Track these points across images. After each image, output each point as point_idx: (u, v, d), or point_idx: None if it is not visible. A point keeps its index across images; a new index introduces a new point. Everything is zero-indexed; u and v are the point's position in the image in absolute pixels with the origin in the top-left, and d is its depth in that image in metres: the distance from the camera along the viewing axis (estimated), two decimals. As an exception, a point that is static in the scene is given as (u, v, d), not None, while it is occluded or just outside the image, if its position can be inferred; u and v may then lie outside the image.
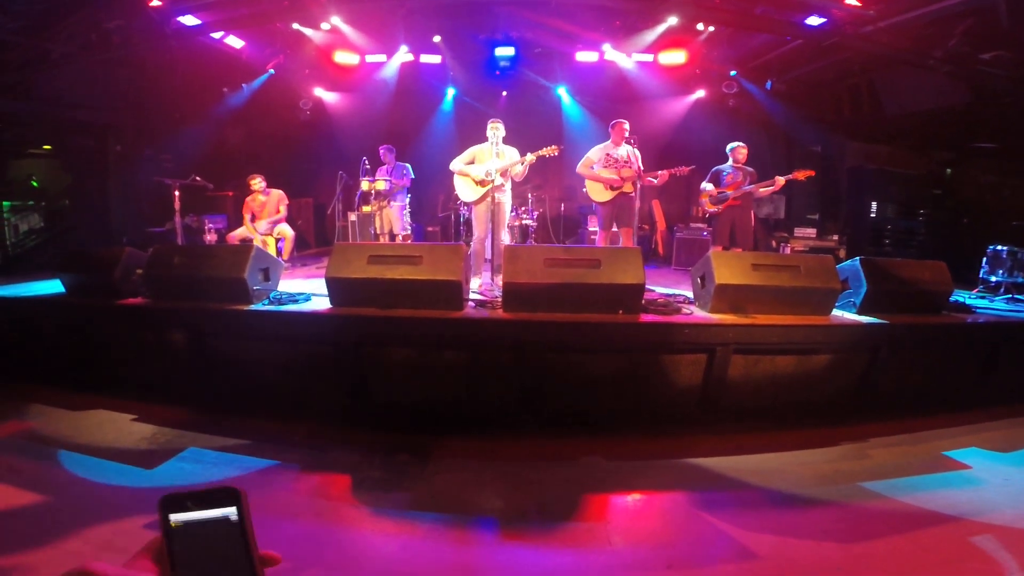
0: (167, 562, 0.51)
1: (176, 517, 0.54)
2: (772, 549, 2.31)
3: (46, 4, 5.78)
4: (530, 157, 5.04)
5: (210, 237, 7.17)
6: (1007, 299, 5.12)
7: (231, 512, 0.54)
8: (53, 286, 4.53)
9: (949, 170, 8.69)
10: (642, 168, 5.37)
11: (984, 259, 5.54)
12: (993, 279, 5.40)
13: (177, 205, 6.40)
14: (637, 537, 2.46)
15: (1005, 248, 5.37)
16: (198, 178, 6.63)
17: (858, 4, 5.75)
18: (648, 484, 2.76)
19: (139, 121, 8.42)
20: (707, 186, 5.83)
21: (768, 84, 8.39)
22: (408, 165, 6.79)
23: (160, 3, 6.10)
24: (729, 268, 3.67)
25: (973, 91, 6.53)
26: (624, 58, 8.24)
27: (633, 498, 2.78)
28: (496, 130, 5.09)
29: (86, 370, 4.07)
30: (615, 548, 2.38)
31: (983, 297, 5.27)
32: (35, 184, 7.93)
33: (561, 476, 2.98)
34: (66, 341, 4.10)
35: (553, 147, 5.02)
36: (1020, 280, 5.17)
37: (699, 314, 3.71)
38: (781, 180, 5.54)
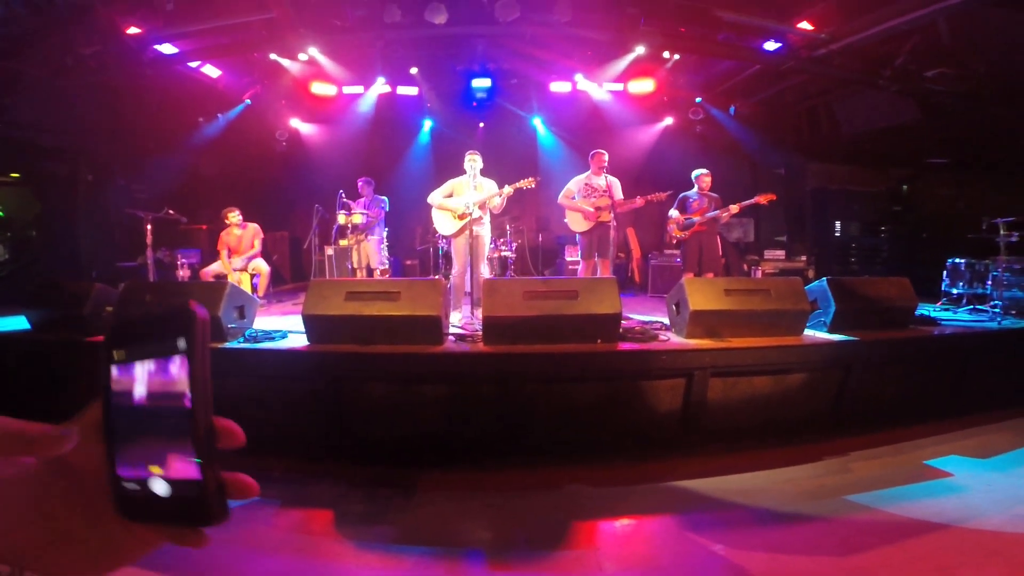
0: (102, 432, 0.41)
1: (119, 359, 0.41)
2: (765, 567, 2.31)
3: (21, 27, 5.70)
4: (508, 189, 5.08)
5: (183, 273, 7.01)
6: (969, 310, 5.33)
7: (179, 352, 0.39)
8: (17, 322, 4.36)
9: (906, 186, 9.13)
10: (621, 197, 5.48)
11: (944, 272, 5.79)
12: (955, 291, 5.63)
13: (149, 239, 6.24)
14: (627, 562, 2.43)
15: (963, 261, 5.62)
16: (171, 211, 6.50)
17: (811, 28, 6.09)
18: (635, 508, 2.74)
19: (112, 149, 8.23)
20: (674, 213, 5.99)
21: (732, 109, 8.75)
22: (385, 198, 6.79)
23: (138, 31, 6.09)
24: (703, 294, 3.76)
25: (922, 108, 6.92)
26: (595, 88, 8.52)
27: (621, 523, 2.75)
28: (474, 162, 5.14)
29: (53, 408, 3.88)
30: (606, 574, 2.34)
31: (947, 309, 5.48)
32: (0, 214, 7.66)
33: (548, 505, 2.95)
34: (32, 378, 3.93)
35: (531, 179, 5.08)
36: (980, 291, 5.41)
37: (676, 340, 3.78)
38: (735, 208, 5.72)
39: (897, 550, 2.39)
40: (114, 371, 0.42)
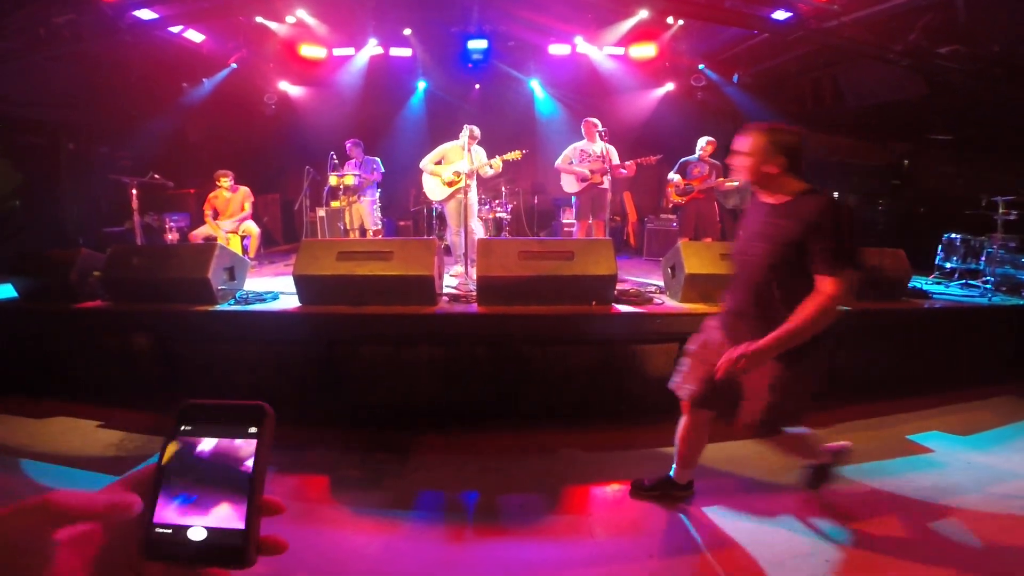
0: (151, 487, 0.46)
1: (184, 430, 0.48)
2: (748, 536, 2.37)
3: None
4: (496, 162, 5.17)
5: (172, 236, 6.89)
6: (961, 284, 5.37)
7: (248, 436, 0.47)
8: (4, 290, 4.29)
9: (907, 161, 9.05)
10: (618, 163, 5.48)
11: (939, 246, 5.80)
12: (948, 265, 5.65)
13: (135, 204, 6.13)
14: (618, 528, 2.49)
15: (959, 236, 5.63)
16: (157, 176, 6.35)
17: (823, -1, 5.89)
18: (627, 474, 2.79)
19: (93, 118, 8.00)
20: (674, 176, 5.94)
21: (735, 78, 8.54)
22: (378, 159, 6.67)
23: (115, -3, 5.79)
24: (699, 258, 3.76)
25: (929, 84, 6.78)
26: (596, 51, 8.26)
27: (613, 489, 2.81)
28: (470, 135, 5.15)
29: (44, 376, 3.87)
30: (597, 540, 2.40)
31: (939, 283, 5.51)
32: (-20, 186, 7.46)
33: (541, 469, 3.00)
34: (21, 347, 3.89)
35: (517, 152, 5.16)
36: (973, 266, 5.43)
37: (670, 304, 3.79)
38: (733, 182, 5.68)
39: (876, 524, 2.46)
40: (178, 439, 0.48)
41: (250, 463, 0.46)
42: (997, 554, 2.27)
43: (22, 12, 5.78)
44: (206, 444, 0.47)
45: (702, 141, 5.88)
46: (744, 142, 2.17)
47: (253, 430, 0.47)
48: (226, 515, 0.45)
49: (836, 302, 1.89)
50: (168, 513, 0.45)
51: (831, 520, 2.47)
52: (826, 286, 1.91)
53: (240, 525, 0.45)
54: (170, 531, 0.45)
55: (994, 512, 2.55)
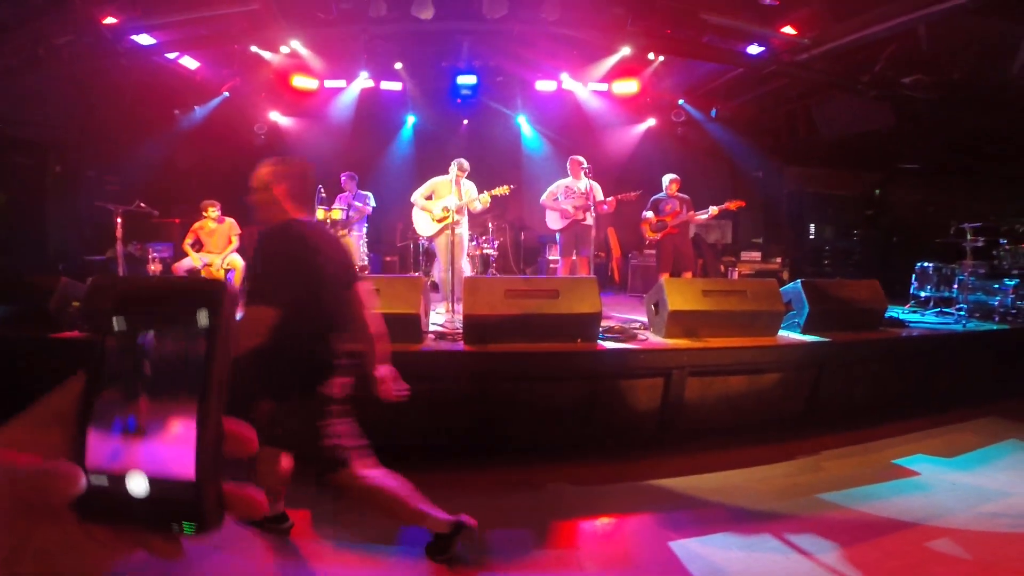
0: (77, 414, 0.34)
1: (120, 326, 0.34)
2: (741, 566, 2.36)
3: None
4: (485, 197, 5.25)
5: (154, 267, 6.81)
6: (936, 312, 5.52)
7: (199, 331, 0.34)
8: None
9: (878, 191, 9.39)
10: (602, 199, 5.62)
11: (913, 275, 5.98)
12: (923, 294, 5.82)
13: (119, 232, 6.06)
14: (607, 561, 2.46)
15: (931, 265, 5.82)
16: (143, 204, 6.30)
17: (794, 33, 6.21)
18: (614, 508, 2.77)
19: (83, 141, 7.96)
20: (648, 214, 6.11)
21: (713, 112, 8.87)
22: (370, 194, 6.71)
23: (115, 21, 5.87)
24: (681, 294, 3.83)
25: (896, 114, 7.11)
26: (580, 87, 8.54)
27: (601, 522, 2.78)
28: (459, 167, 5.21)
29: (18, 407, 3.72)
30: (587, 573, 2.36)
31: (915, 311, 5.66)
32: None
33: (528, 504, 2.96)
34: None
35: (505, 187, 5.27)
36: (947, 295, 5.60)
37: (654, 340, 3.84)
38: (715, 210, 5.92)
39: (869, 547, 2.47)
40: (109, 342, 0.35)
41: (198, 378, 0.33)
42: (990, 571, 2.28)
43: (22, 30, 5.82)
44: (143, 347, 0.34)
45: (666, 179, 6.09)
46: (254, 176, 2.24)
47: (205, 321, 0.34)
48: (173, 461, 0.33)
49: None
50: (102, 452, 0.33)
51: (823, 546, 2.46)
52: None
53: (190, 475, 0.32)
54: (107, 482, 0.33)
55: (984, 531, 2.58)
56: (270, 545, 2.52)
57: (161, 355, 0.34)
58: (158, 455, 0.33)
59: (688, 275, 5.87)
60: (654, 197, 6.15)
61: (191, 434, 0.33)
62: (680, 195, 6.02)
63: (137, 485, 0.33)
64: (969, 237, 5.40)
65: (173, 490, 0.33)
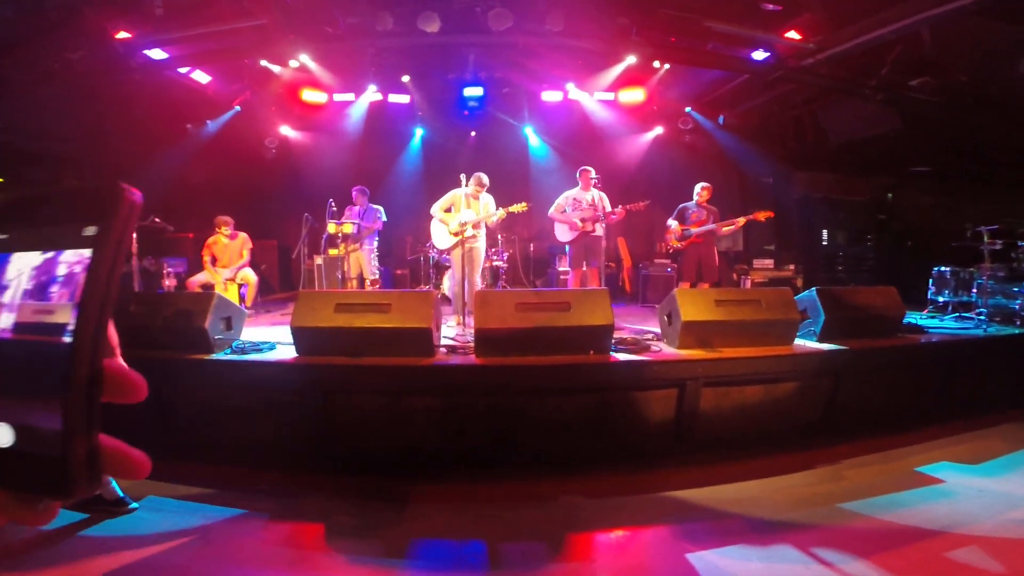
0: None
1: None
2: (759, 578, 2.29)
3: (7, 30, 5.62)
4: (501, 213, 5.30)
5: (169, 282, 6.89)
6: (955, 317, 5.41)
7: (82, 243, 0.27)
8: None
9: (890, 195, 9.28)
10: (609, 209, 5.61)
11: (930, 280, 5.87)
12: (940, 299, 5.72)
13: (134, 248, 6.16)
14: (623, 573, 2.41)
15: (948, 269, 5.72)
16: (157, 220, 6.41)
17: (799, 38, 6.20)
18: (630, 520, 2.72)
19: (97, 155, 8.10)
20: (672, 223, 6.06)
21: (720, 119, 8.85)
22: (381, 208, 6.74)
23: (128, 36, 6.02)
24: (694, 305, 3.78)
25: (903, 118, 7.05)
26: (587, 97, 8.57)
27: (616, 535, 2.73)
28: (478, 182, 5.28)
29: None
30: (601, 589, 2.31)
31: (933, 317, 5.55)
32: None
33: (542, 517, 2.92)
34: None
35: (523, 204, 5.30)
36: (965, 299, 5.49)
37: (668, 351, 3.79)
38: (741, 221, 5.84)
39: (893, 557, 2.39)
40: None
41: (75, 306, 0.26)
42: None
43: (37, 45, 5.96)
44: (16, 270, 0.28)
45: (698, 187, 6.03)
46: None
47: (91, 231, 0.27)
48: (39, 409, 0.27)
49: None
50: None
51: (846, 556, 2.40)
52: None
53: (57, 426, 0.26)
54: None
55: (1012, 538, 2.50)
56: (285, 558, 2.50)
57: (32, 281, 0.27)
58: (24, 404, 0.27)
59: (705, 286, 5.77)
60: (681, 205, 6.10)
61: (61, 374, 0.26)
62: (709, 205, 5.97)
63: (1, 436, 0.27)
64: (986, 240, 5.31)
65: (39, 443, 0.27)
